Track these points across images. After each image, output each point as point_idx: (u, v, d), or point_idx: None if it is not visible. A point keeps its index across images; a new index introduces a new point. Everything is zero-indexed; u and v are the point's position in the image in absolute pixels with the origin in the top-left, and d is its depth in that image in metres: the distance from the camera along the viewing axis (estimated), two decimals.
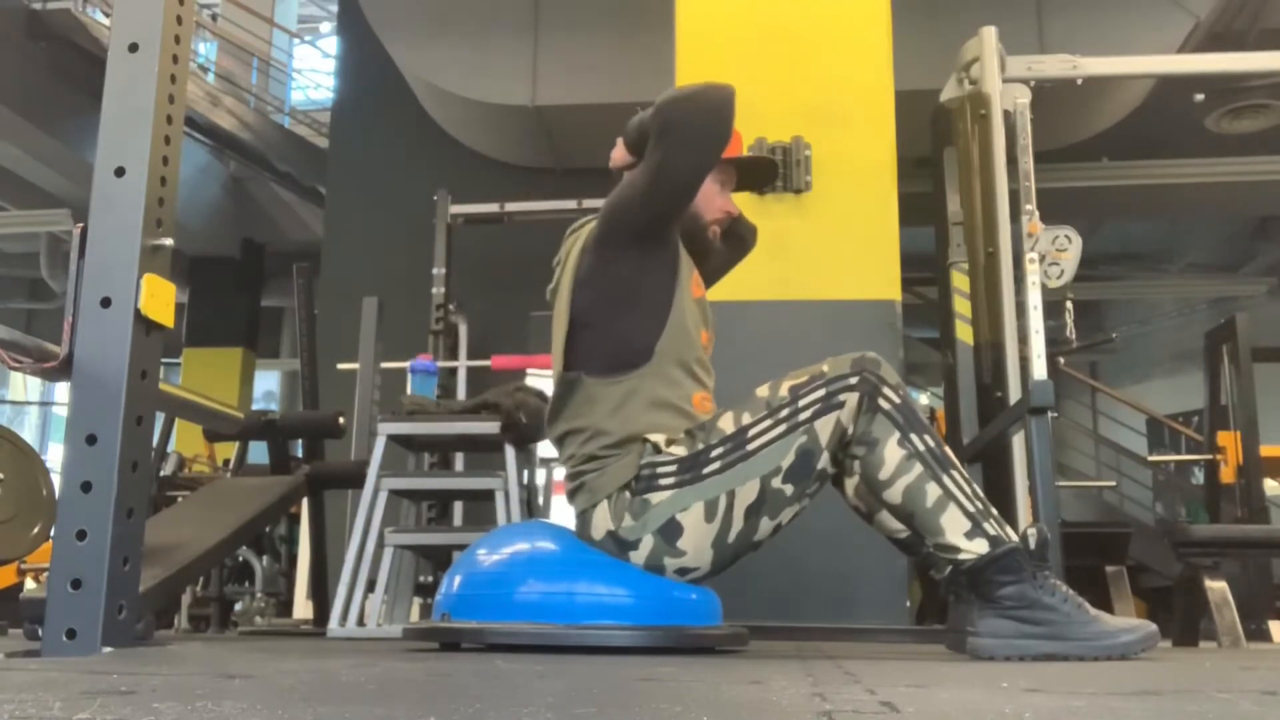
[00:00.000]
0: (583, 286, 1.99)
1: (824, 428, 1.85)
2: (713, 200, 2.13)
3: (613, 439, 1.93)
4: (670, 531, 1.87)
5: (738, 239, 2.33)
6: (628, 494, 1.89)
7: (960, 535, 1.82)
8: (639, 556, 1.89)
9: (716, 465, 1.87)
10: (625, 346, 1.95)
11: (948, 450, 1.88)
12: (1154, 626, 1.80)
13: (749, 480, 1.86)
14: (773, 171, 2.30)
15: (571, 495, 1.98)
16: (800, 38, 3.39)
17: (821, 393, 1.87)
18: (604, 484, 1.92)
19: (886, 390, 1.85)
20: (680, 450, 1.90)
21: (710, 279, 2.27)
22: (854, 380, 1.86)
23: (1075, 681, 1.25)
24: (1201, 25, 5.80)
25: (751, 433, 1.88)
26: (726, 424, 1.91)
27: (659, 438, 1.91)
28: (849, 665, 1.56)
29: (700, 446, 1.89)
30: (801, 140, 3.29)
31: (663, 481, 1.88)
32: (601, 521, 1.91)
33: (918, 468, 1.83)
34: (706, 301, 2.12)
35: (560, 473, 3.01)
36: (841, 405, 1.85)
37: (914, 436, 1.84)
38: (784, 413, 1.87)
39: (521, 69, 6.17)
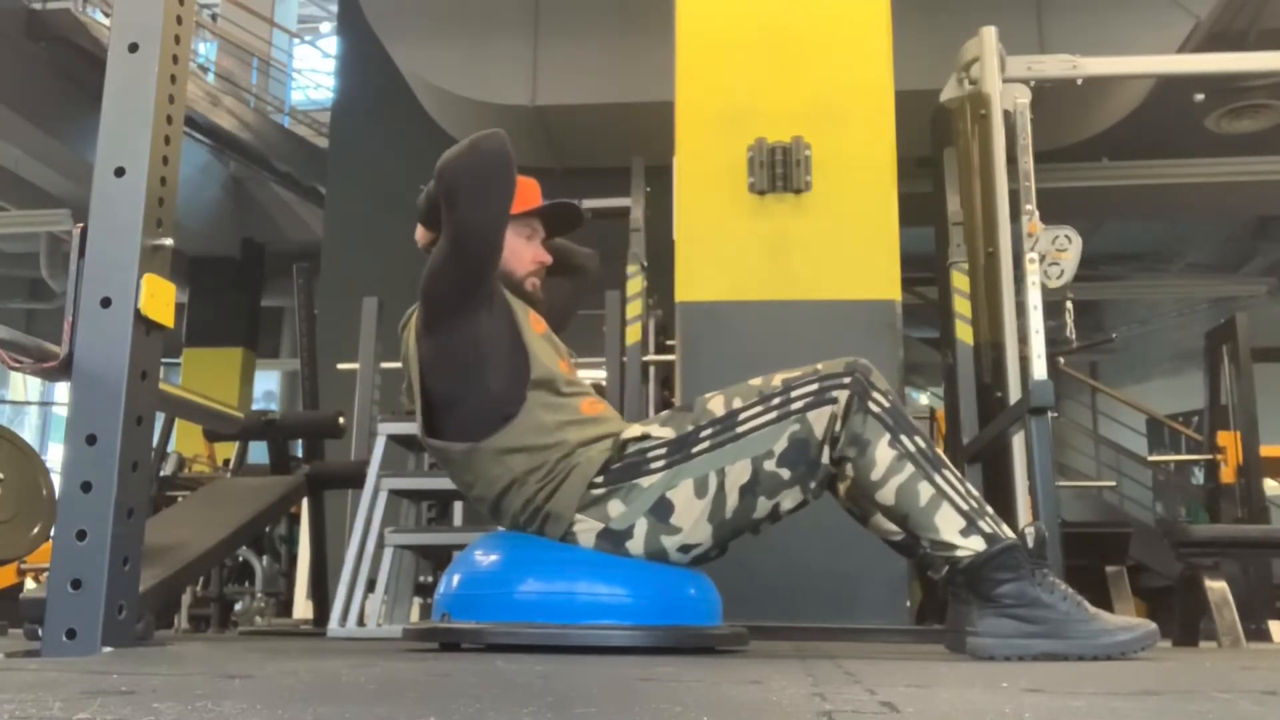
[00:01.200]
0: (430, 371, 2.00)
1: (818, 419, 1.86)
2: (521, 254, 2.13)
3: (544, 469, 1.91)
4: (661, 510, 1.87)
5: (576, 270, 2.33)
6: (597, 491, 1.89)
7: (955, 533, 1.82)
8: (636, 544, 1.88)
9: (706, 445, 1.88)
10: (496, 402, 1.94)
11: (939, 451, 1.88)
12: (1153, 625, 1.80)
13: (739, 460, 1.87)
14: (577, 215, 2.26)
15: (542, 532, 1.94)
16: (800, 38, 3.39)
17: (814, 387, 1.88)
18: (566, 503, 1.90)
19: (876, 394, 1.86)
20: (669, 432, 1.91)
21: (567, 314, 2.29)
22: (846, 380, 1.87)
23: (1075, 681, 1.25)
24: (1201, 25, 5.80)
25: (742, 416, 1.89)
26: (717, 406, 1.92)
27: (636, 430, 1.93)
28: (849, 665, 1.56)
29: (689, 428, 1.90)
30: (801, 140, 3.29)
31: (653, 464, 1.89)
32: (587, 533, 1.90)
33: (909, 467, 1.83)
34: (552, 335, 2.12)
35: None
36: (834, 401, 1.86)
37: (904, 437, 1.85)
38: (776, 400, 1.89)
39: (521, 69, 6.17)
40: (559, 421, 1.94)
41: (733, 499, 1.88)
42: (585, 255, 2.37)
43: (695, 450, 1.88)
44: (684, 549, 1.90)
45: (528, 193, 2.13)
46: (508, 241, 2.04)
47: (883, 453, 1.84)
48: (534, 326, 2.05)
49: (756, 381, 1.94)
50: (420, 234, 2.16)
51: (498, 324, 1.98)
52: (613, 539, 1.89)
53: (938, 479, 1.83)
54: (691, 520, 1.88)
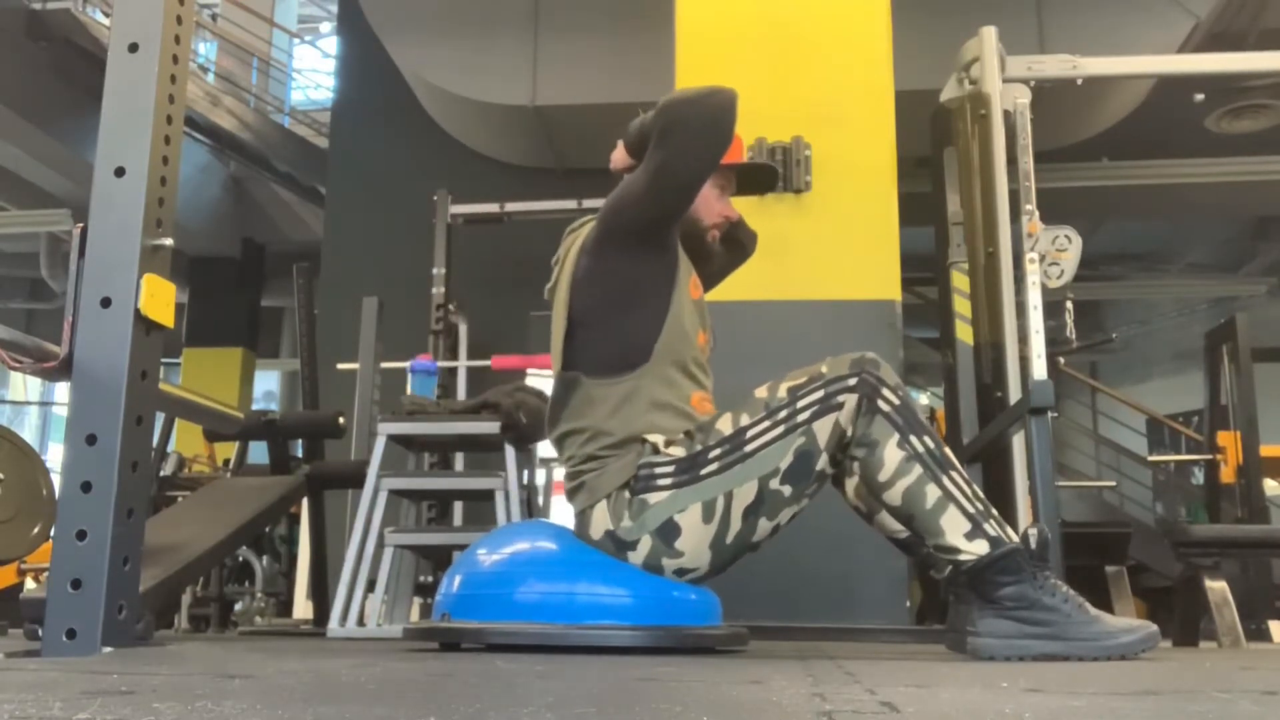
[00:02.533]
0: (581, 286, 1.99)
1: (822, 429, 1.85)
2: (712, 205, 2.13)
3: (612, 439, 1.93)
4: (668, 532, 1.87)
5: (737, 244, 2.33)
6: (626, 494, 1.89)
7: (960, 536, 1.81)
8: (637, 557, 1.89)
9: (714, 466, 1.87)
10: (623, 347, 1.95)
11: (947, 451, 1.87)
12: (1154, 627, 1.80)
13: (747, 481, 1.86)
14: (773, 178, 2.30)
15: (571, 495, 1.99)
16: (800, 38, 3.39)
17: (820, 394, 1.87)
18: (603, 484, 1.92)
19: (886, 391, 1.85)
20: (678, 451, 1.90)
21: (709, 283, 2.27)
22: (853, 382, 1.86)
23: (1075, 681, 1.25)
24: (1201, 25, 5.80)
25: (750, 434, 1.88)
26: (725, 425, 1.91)
27: (658, 438, 1.91)
28: (849, 665, 1.56)
29: (698, 447, 1.89)
30: (801, 140, 3.29)
31: (661, 482, 1.88)
32: (600, 521, 1.91)
33: (917, 469, 1.83)
34: (705, 303, 2.12)
35: (560, 472, 3.01)
36: (840, 406, 1.85)
37: (913, 438, 1.84)
38: (782, 414, 1.87)
39: (521, 69, 6.17)
40: (661, 401, 1.94)
41: (736, 524, 1.88)
42: (750, 234, 2.37)
43: (704, 472, 1.87)
44: (680, 571, 1.91)
45: (732, 146, 2.11)
46: (702, 190, 2.04)
47: (891, 453, 1.83)
48: (691, 290, 2.05)
49: (762, 393, 1.92)
50: (619, 156, 2.13)
51: (660, 273, 1.98)
52: (617, 543, 1.90)
53: (945, 481, 1.83)
54: (693, 545, 1.88)
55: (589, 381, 1.95)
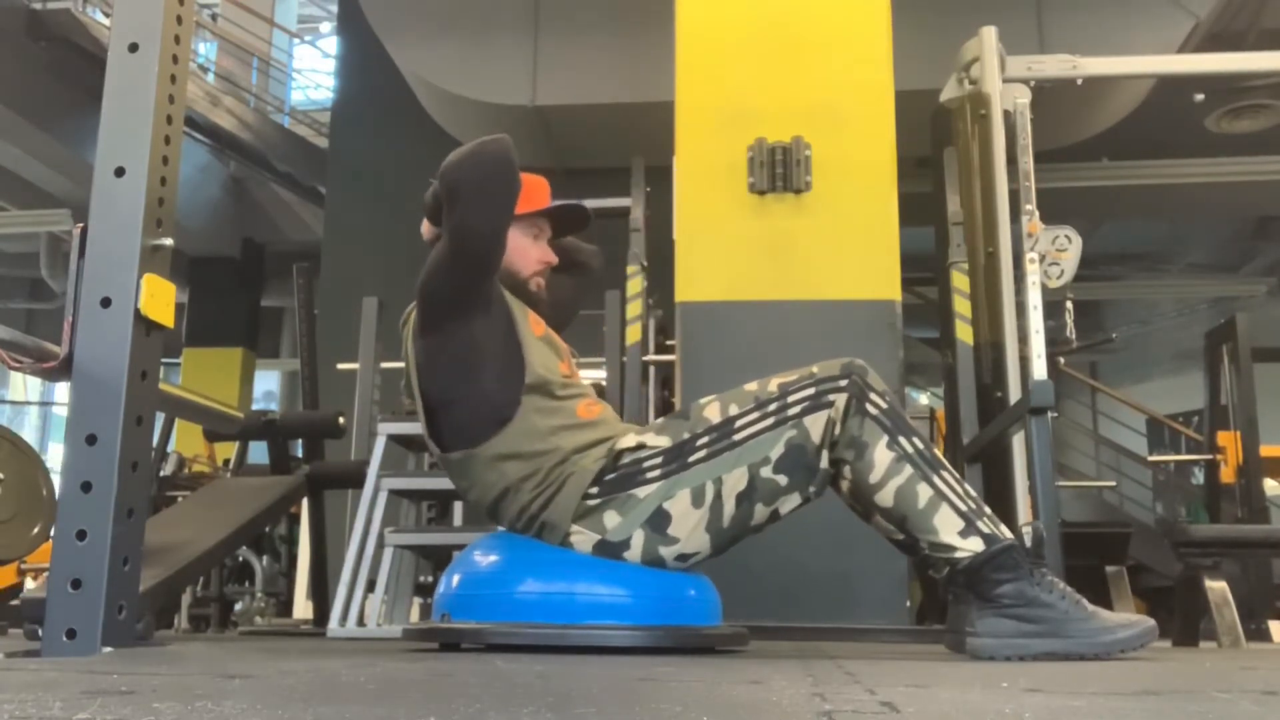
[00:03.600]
0: (425, 372, 1.99)
1: (814, 424, 1.86)
2: (527, 254, 2.11)
3: (537, 476, 1.91)
4: (658, 521, 1.87)
5: (579, 267, 2.32)
6: (592, 502, 1.88)
7: (954, 534, 1.82)
8: (633, 555, 1.88)
9: (702, 453, 1.87)
10: (491, 408, 1.93)
11: (937, 452, 1.88)
12: (1152, 622, 1.81)
13: (736, 468, 1.86)
14: (584, 217, 2.24)
15: (541, 536, 1.94)
16: (800, 38, 3.39)
17: (810, 391, 1.87)
18: (561, 513, 1.89)
19: (873, 395, 1.86)
20: (665, 441, 1.90)
21: (569, 312, 2.27)
22: (843, 382, 1.86)
23: (1075, 681, 1.25)
24: (1201, 25, 5.80)
25: (739, 423, 1.88)
26: (713, 413, 1.91)
27: (631, 440, 1.91)
28: (849, 665, 1.56)
29: (685, 435, 1.89)
30: (801, 140, 3.29)
31: (649, 474, 1.88)
32: (583, 541, 1.89)
33: (908, 469, 1.83)
34: (552, 335, 2.10)
35: None
36: (831, 405, 1.86)
37: (902, 439, 1.84)
38: (772, 407, 1.88)
39: (521, 69, 6.17)
40: (553, 426, 1.93)
41: (730, 507, 1.87)
42: (589, 253, 2.35)
43: (691, 460, 1.87)
44: (681, 557, 1.90)
45: (536, 192, 2.11)
46: (514, 241, 2.03)
47: (881, 455, 1.84)
48: (533, 328, 2.03)
49: (752, 387, 1.93)
50: (425, 229, 2.15)
51: (494, 326, 1.96)
52: (609, 549, 1.89)
53: (936, 480, 1.83)
54: (688, 530, 1.88)
55: (478, 451, 1.93)
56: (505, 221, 1.94)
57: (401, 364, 2.16)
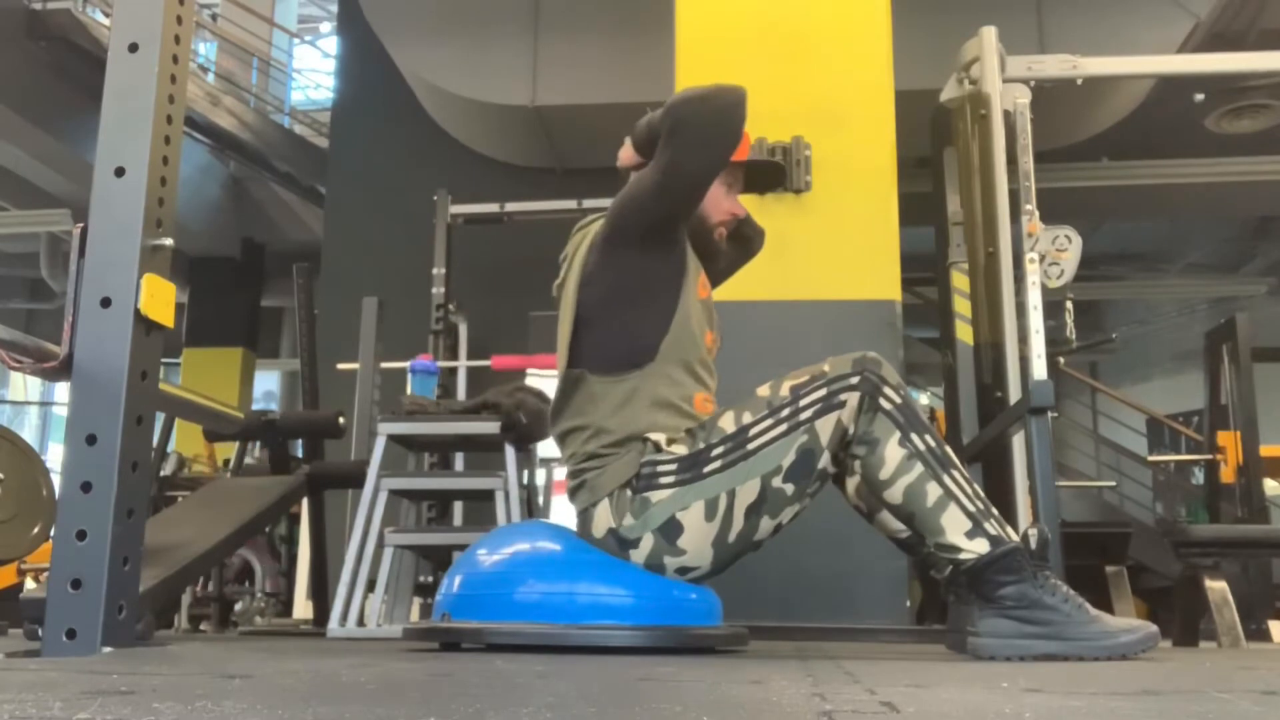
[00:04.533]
0: (588, 284, 1.99)
1: (825, 427, 1.85)
2: (719, 202, 2.13)
3: (614, 437, 1.93)
4: (670, 530, 1.87)
5: (744, 241, 2.33)
6: (628, 492, 1.89)
7: (961, 535, 1.82)
8: (639, 555, 1.89)
9: (717, 464, 1.87)
10: (629, 344, 1.96)
11: (948, 450, 1.88)
12: (1154, 627, 1.80)
13: (750, 479, 1.86)
14: (780, 175, 2.30)
15: (573, 493, 1.99)
16: (800, 38, 3.39)
17: (823, 392, 1.87)
18: (605, 482, 1.92)
19: (887, 390, 1.85)
20: (681, 449, 1.90)
21: (716, 280, 2.27)
22: (855, 380, 1.86)
23: (1075, 681, 1.25)
24: (1201, 25, 5.80)
25: (752, 432, 1.88)
26: (727, 423, 1.91)
27: (659, 437, 1.91)
28: (849, 665, 1.56)
29: (700, 445, 1.89)
30: (801, 140, 3.29)
31: (663, 480, 1.88)
32: (603, 519, 1.91)
33: (918, 467, 1.83)
34: (712, 303, 2.12)
35: (561, 472, 3.01)
36: (842, 405, 1.85)
37: (914, 436, 1.84)
38: (785, 412, 1.87)
39: (521, 69, 6.17)
40: (665, 399, 1.94)
41: (739, 521, 1.87)
42: (757, 230, 2.36)
43: (706, 470, 1.87)
44: (682, 570, 1.91)
45: (741, 143, 2.12)
46: (710, 188, 2.04)
47: (892, 451, 1.84)
48: (699, 289, 2.05)
49: (764, 391, 1.92)
50: (626, 154, 2.13)
51: (667, 274, 1.98)
52: (619, 541, 1.90)
53: (946, 479, 1.83)
54: (696, 544, 1.88)
55: (593, 379, 1.96)
56: (717, 171, 1.97)
57: (399, 364, 2.15)
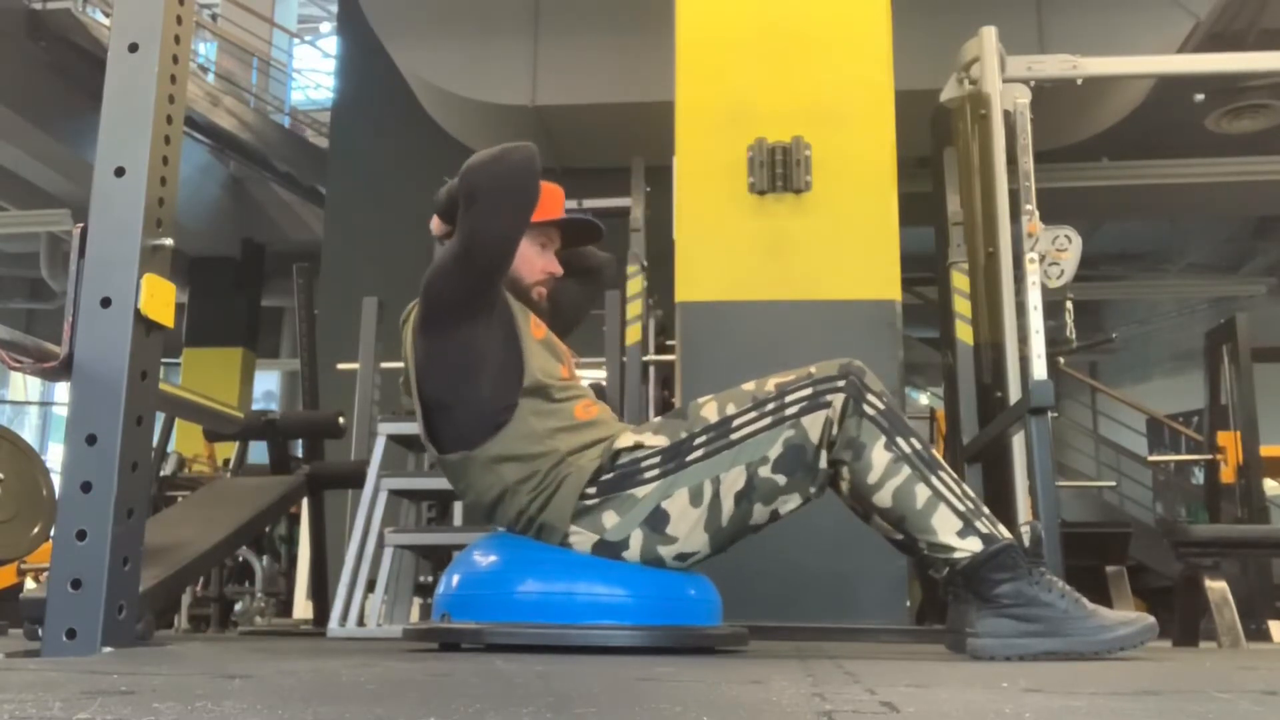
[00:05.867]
0: (424, 373, 1.98)
1: (813, 425, 1.85)
2: (533, 263, 2.10)
3: (535, 479, 1.91)
4: (656, 520, 1.87)
5: (589, 273, 2.30)
6: (590, 501, 1.88)
7: (953, 534, 1.82)
8: (631, 554, 1.88)
9: (700, 453, 1.87)
10: (486, 412, 1.93)
11: (935, 452, 1.88)
12: (1151, 619, 1.80)
13: (734, 467, 1.86)
14: (596, 231, 2.23)
15: (539, 537, 1.94)
16: (800, 38, 3.39)
17: (808, 391, 1.87)
18: (559, 514, 1.89)
19: (871, 396, 1.86)
20: (662, 440, 1.90)
21: (571, 318, 2.25)
22: (840, 383, 1.86)
23: (1075, 681, 1.25)
24: (1201, 25, 5.80)
25: (736, 422, 1.88)
26: (710, 413, 1.91)
27: (628, 440, 1.91)
28: (849, 665, 1.56)
29: (683, 435, 1.90)
30: (801, 140, 3.29)
31: (647, 474, 1.88)
32: (583, 542, 1.89)
33: (905, 470, 1.83)
34: (552, 338, 2.08)
35: None
36: (828, 405, 1.86)
37: (900, 439, 1.84)
38: (770, 406, 1.88)
39: (521, 69, 6.17)
40: (550, 428, 1.93)
41: (728, 506, 1.87)
42: (602, 260, 2.33)
43: (689, 459, 1.87)
44: (680, 557, 1.90)
45: (549, 201, 2.09)
46: (521, 248, 2.02)
47: (879, 455, 1.84)
48: (533, 331, 2.02)
49: (749, 386, 1.93)
50: (436, 225, 2.13)
51: (495, 329, 1.95)
52: (608, 549, 1.89)
53: (934, 481, 1.83)
54: (687, 529, 1.87)
55: (477, 454, 1.93)
56: (520, 231, 1.95)
57: (401, 364, 2.15)
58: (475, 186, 1.86)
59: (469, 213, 1.87)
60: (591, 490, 1.88)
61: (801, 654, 1.95)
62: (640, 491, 1.87)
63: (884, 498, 1.84)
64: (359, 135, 7.56)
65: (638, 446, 1.90)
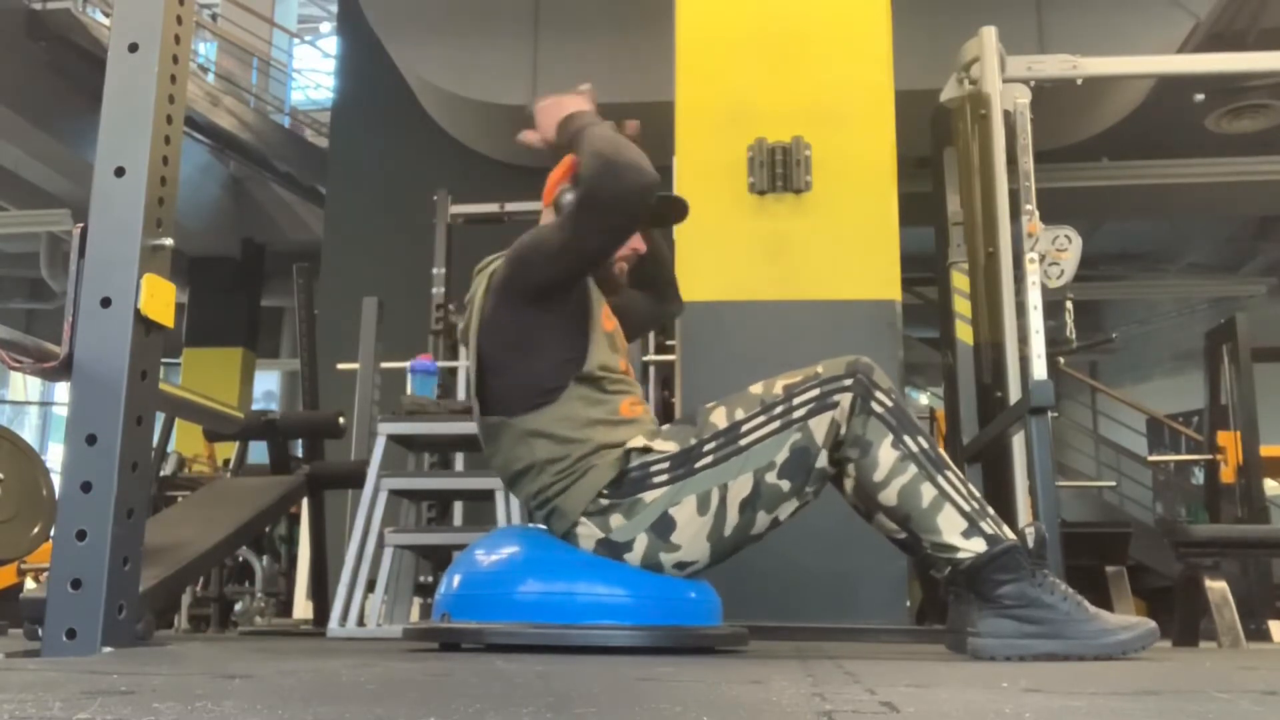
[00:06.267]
0: (488, 331, 1.98)
1: (819, 426, 1.86)
2: None
3: (565, 463, 1.91)
4: (663, 527, 1.87)
5: (663, 301, 2.32)
6: (604, 501, 1.89)
7: (957, 535, 1.82)
8: (634, 557, 1.88)
9: (709, 459, 1.87)
10: (538, 384, 1.94)
11: (942, 451, 1.88)
12: (1153, 624, 1.80)
13: (742, 474, 1.86)
14: (682, 210, 2.25)
15: (548, 522, 1.96)
16: (800, 38, 3.39)
17: (815, 392, 1.87)
18: (574, 504, 1.90)
19: (879, 394, 1.86)
20: (672, 446, 1.90)
21: (633, 327, 2.25)
22: (848, 382, 1.86)
23: (1075, 681, 1.25)
24: (1201, 25, 5.80)
25: (745, 428, 1.88)
26: (719, 419, 1.91)
27: (639, 442, 1.91)
28: (849, 665, 1.56)
29: (692, 441, 1.90)
30: (801, 140, 3.29)
31: (656, 479, 1.88)
32: (588, 537, 1.90)
33: (912, 468, 1.83)
34: (618, 332, 2.09)
35: None
36: (835, 405, 1.85)
37: (907, 438, 1.84)
38: (778, 409, 1.88)
39: (521, 69, 6.17)
40: (592, 418, 1.93)
41: (733, 515, 1.87)
42: (678, 301, 2.39)
43: (699, 465, 1.87)
44: (680, 565, 1.91)
45: None
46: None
47: (885, 454, 1.84)
48: (604, 322, 2.03)
49: (757, 389, 1.93)
50: (535, 137, 2.19)
51: (571, 312, 1.97)
52: (612, 549, 1.89)
53: (940, 480, 1.83)
54: (690, 538, 1.87)
55: (515, 421, 1.94)
56: (620, 245, 2.01)
57: (399, 364, 2.15)
58: (594, 198, 1.88)
59: (579, 219, 1.89)
60: (606, 490, 1.89)
61: (801, 654, 1.95)
62: (649, 496, 1.87)
63: (889, 496, 1.84)
64: (359, 135, 7.56)
65: (647, 450, 1.91)
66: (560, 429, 1.91)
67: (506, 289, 1.96)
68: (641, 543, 1.88)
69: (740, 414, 1.90)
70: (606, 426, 1.94)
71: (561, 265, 1.91)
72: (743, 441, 1.87)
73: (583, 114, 2.08)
